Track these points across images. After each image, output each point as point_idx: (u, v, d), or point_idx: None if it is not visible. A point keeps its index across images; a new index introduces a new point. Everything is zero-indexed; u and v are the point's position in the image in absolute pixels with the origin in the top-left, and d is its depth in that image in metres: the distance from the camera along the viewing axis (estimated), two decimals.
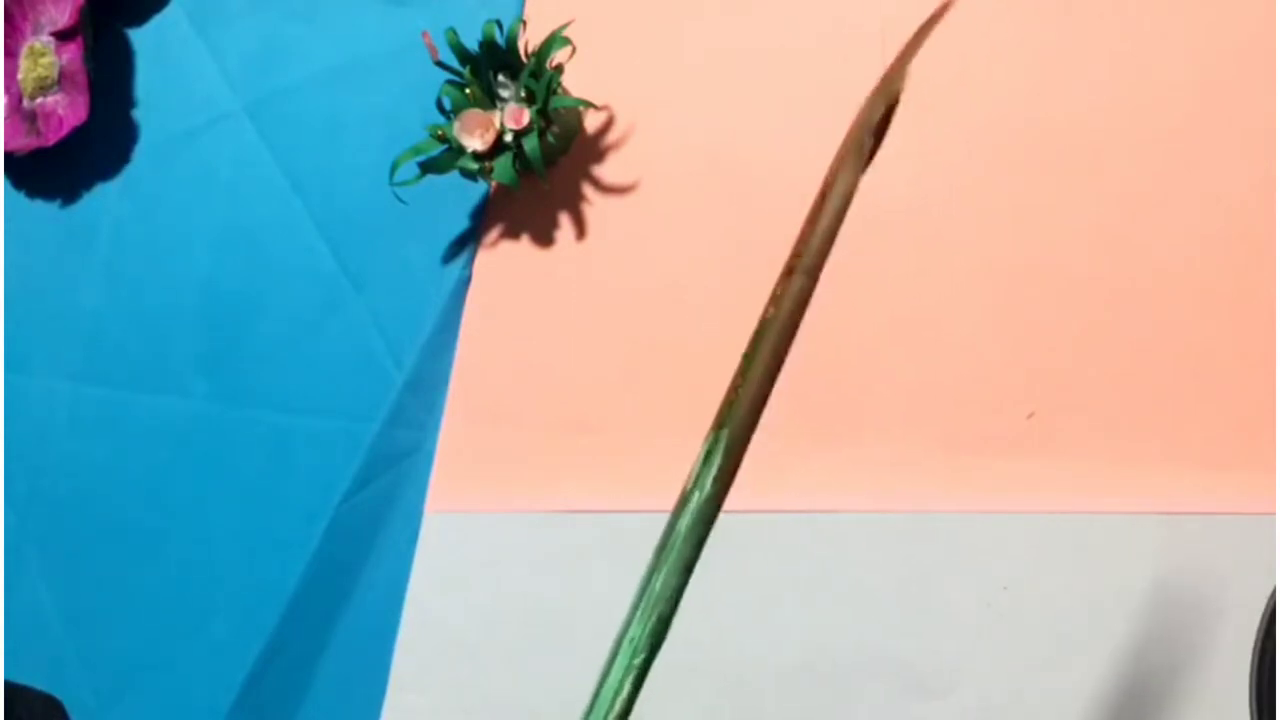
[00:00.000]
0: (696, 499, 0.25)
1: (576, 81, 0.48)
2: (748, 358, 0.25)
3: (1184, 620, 0.39)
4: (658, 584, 0.25)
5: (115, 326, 0.55)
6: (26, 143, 0.57)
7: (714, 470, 0.25)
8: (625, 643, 0.25)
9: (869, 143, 0.25)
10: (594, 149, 0.49)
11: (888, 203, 0.46)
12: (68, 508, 0.54)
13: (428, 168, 0.47)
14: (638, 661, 0.25)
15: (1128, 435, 0.41)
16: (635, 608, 0.25)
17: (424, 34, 0.47)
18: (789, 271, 0.25)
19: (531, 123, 0.46)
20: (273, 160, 0.54)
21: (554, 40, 0.46)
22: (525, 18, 0.48)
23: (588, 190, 0.49)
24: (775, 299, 0.25)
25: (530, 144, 0.46)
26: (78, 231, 0.57)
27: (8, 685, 0.51)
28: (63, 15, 0.56)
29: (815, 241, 0.25)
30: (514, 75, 0.47)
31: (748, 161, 0.48)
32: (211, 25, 0.57)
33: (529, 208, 0.50)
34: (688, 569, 0.25)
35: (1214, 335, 0.42)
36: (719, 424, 0.25)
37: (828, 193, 0.25)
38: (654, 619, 0.25)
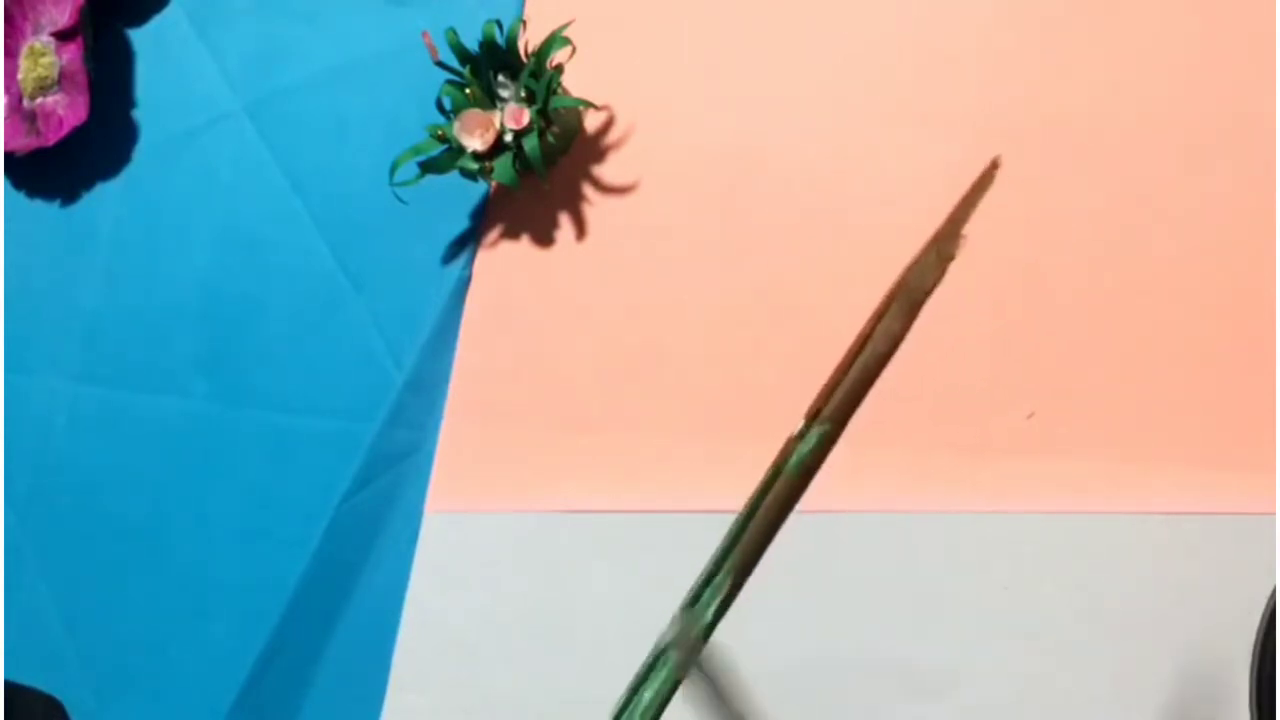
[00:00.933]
0: (698, 630, 0.25)
1: (576, 81, 0.48)
2: (757, 497, 0.25)
3: (1184, 620, 0.39)
4: (647, 694, 0.25)
5: (115, 326, 0.55)
6: (26, 143, 0.57)
7: (713, 606, 0.25)
8: None
9: (920, 299, 0.25)
10: (594, 149, 0.49)
11: (888, 200, 0.46)
12: (68, 508, 0.54)
13: (428, 168, 0.47)
14: None
15: (1128, 435, 0.41)
16: (618, 714, 0.25)
17: (424, 34, 0.47)
18: (812, 415, 0.24)
19: (531, 123, 0.46)
20: (273, 160, 0.54)
21: (554, 40, 0.46)
22: (525, 18, 0.48)
23: (588, 190, 0.49)
24: (794, 440, 0.24)
25: (530, 144, 0.46)
26: (78, 231, 0.57)
27: (8, 685, 0.51)
28: (63, 15, 0.56)
29: (845, 390, 0.24)
30: (514, 75, 0.47)
31: (748, 162, 0.48)
32: (212, 25, 0.57)
33: (529, 208, 0.50)
34: (676, 685, 0.25)
35: (1214, 335, 0.41)
36: (725, 552, 0.25)
37: (865, 342, 0.24)
38: None
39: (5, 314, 0.57)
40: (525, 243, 0.50)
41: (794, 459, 0.24)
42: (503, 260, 0.50)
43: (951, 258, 0.25)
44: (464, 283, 0.50)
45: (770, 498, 0.25)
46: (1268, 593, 0.38)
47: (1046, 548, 0.41)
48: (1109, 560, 0.40)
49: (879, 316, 0.24)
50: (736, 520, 0.25)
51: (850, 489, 0.43)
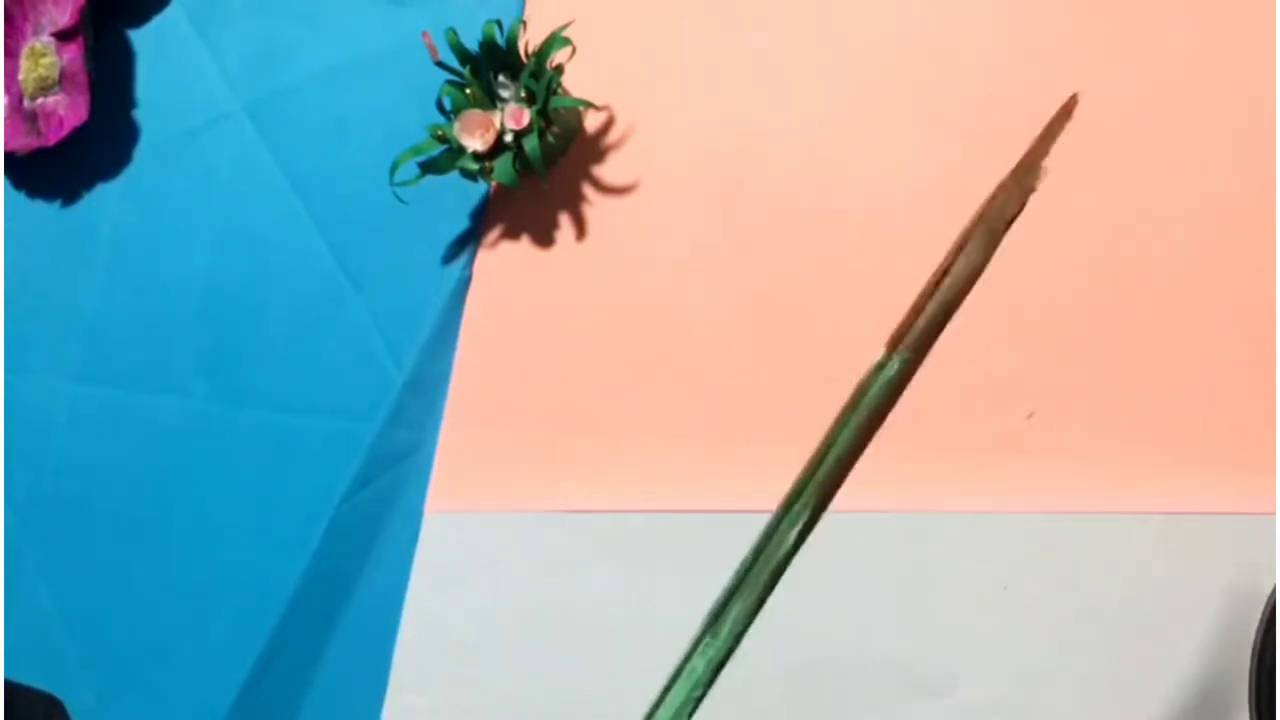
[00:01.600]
0: (781, 546, 0.26)
1: (576, 81, 0.48)
2: (839, 426, 0.25)
3: (1183, 620, 0.39)
4: (724, 630, 0.25)
5: (115, 326, 0.55)
6: (27, 143, 0.57)
7: (796, 529, 0.25)
8: (685, 674, 0.25)
9: (1000, 230, 0.25)
10: (594, 149, 0.49)
11: (889, 201, 0.46)
12: (68, 508, 0.54)
13: (428, 168, 0.48)
14: (697, 694, 0.25)
15: (1128, 435, 0.41)
16: (696, 644, 0.25)
17: (424, 34, 0.47)
18: (894, 343, 0.25)
19: (531, 123, 0.46)
20: (273, 160, 0.54)
21: (554, 40, 0.46)
22: (525, 18, 0.48)
23: (588, 190, 0.49)
24: (876, 368, 0.25)
25: (530, 144, 0.46)
26: (78, 231, 0.57)
27: (8, 685, 0.51)
28: (63, 15, 0.56)
29: (926, 319, 0.25)
30: (514, 75, 0.47)
31: (748, 162, 0.48)
32: (212, 25, 0.57)
33: (529, 208, 0.50)
34: (760, 605, 0.26)
35: (1214, 335, 0.42)
36: (806, 478, 0.25)
37: (945, 273, 0.24)
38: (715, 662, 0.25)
39: (5, 314, 0.57)
40: (525, 243, 0.50)
41: (877, 385, 0.25)
42: (503, 260, 0.50)
43: (1032, 189, 0.26)
44: (464, 283, 0.50)
45: (853, 424, 0.25)
46: (1268, 593, 0.38)
47: (1046, 548, 0.41)
48: (1109, 560, 0.40)
49: (959, 248, 0.24)
50: (817, 450, 0.25)
51: (850, 489, 0.43)
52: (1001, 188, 0.24)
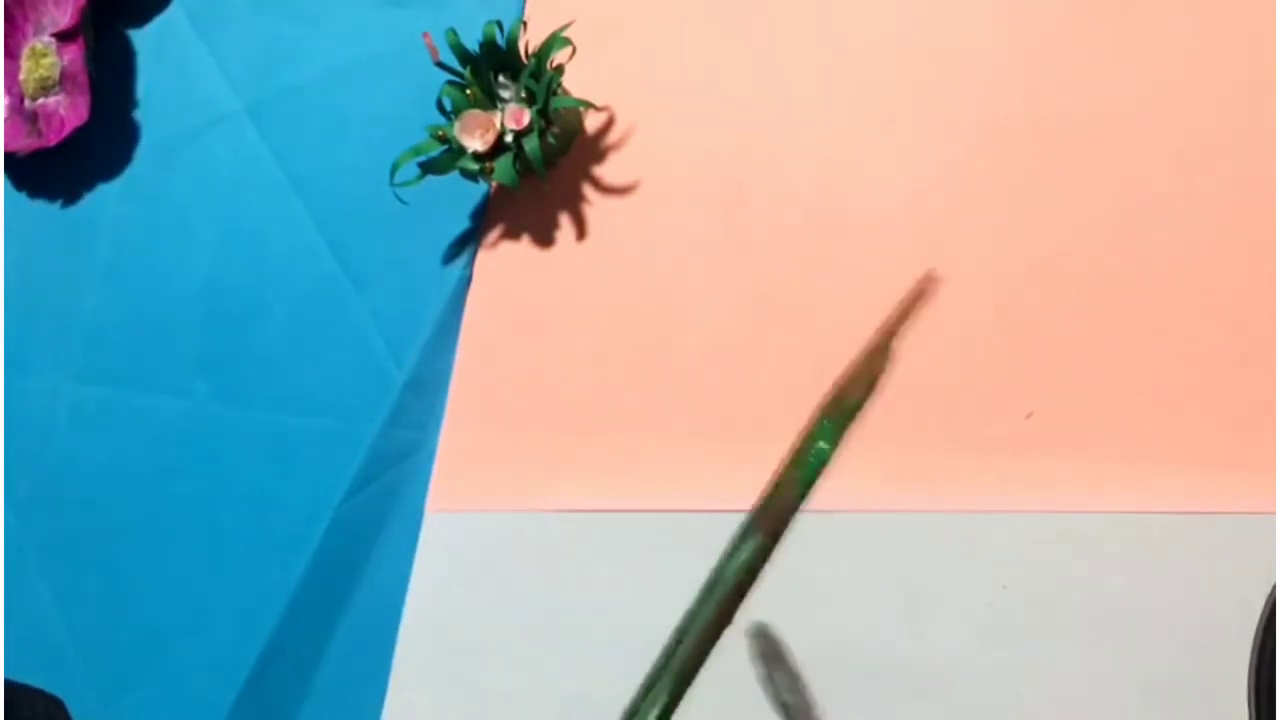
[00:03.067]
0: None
1: (577, 82, 0.48)
2: (695, 608, 0.25)
3: (1183, 620, 0.39)
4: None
5: (115, 326, 0.55)
6: (28, 143, 0.57)
7: (661, 702, 0.25)
8: None
9: (847, 419, 0.25)
10: (594, 149, 0.49)
11: (889, 201, 0.46)
12: (68, 508, 0.54)
13: (428, 168, 0.48)
14: None
15: (1127, 435, 0.41)
16: None
17: (425, 35, 0.47)
18: (748, 527, 0.25)
19: (532, 123, 0.46)
20: (273, 160, 0.54)
21: (554, 41, 0.46)
22: (526, 18, 0.48)
23: (588, 190, 0.49)
24: (730, 551, 0.24)
25: (530, 144, 0.46)
26: (78, 232, 0.57)
27: (9, 685, 0.51)
28: (64, 16, 0.56)
29: (779, 503, 0.25)
30: (514, 76, 0.47)
31: (747, 162, 0.48)
32: (212, 26, 0.57)
33: (529, 208, 0.50)
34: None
35: (1214, 335, 0.41)
36: (664, 661, 0.25)
37: (798, 456, 0.24)
38: None
39: (5, 314, 0.57)
40: (525, 243, 0.50)
41: (730, 568, 0.24)
42: (503, 260, 0.50)
43: (879, 374, 0.26)
44: (464, 283, 0.50)
45: (708, 607, 0.25)
46: (1268, 592, 0.38)
47: (1046, 548, 0.41)
48: (1109, 560, 0.40)
49: (808, 434, 0.24)
50: (674, 631, 0.25)
51: (849, 489, 0.43)
52: (849, 372, 0.24)
